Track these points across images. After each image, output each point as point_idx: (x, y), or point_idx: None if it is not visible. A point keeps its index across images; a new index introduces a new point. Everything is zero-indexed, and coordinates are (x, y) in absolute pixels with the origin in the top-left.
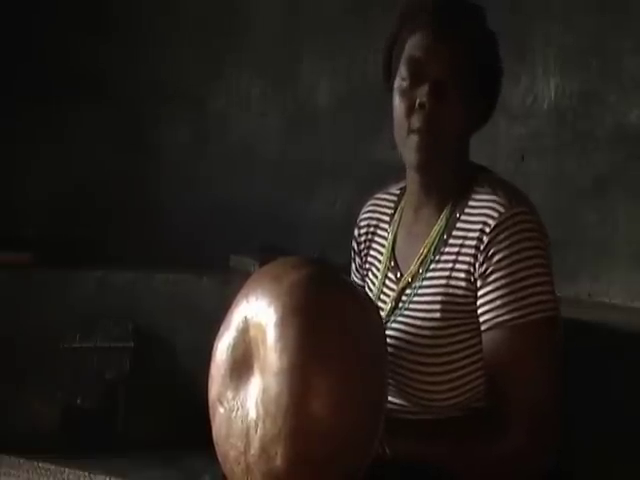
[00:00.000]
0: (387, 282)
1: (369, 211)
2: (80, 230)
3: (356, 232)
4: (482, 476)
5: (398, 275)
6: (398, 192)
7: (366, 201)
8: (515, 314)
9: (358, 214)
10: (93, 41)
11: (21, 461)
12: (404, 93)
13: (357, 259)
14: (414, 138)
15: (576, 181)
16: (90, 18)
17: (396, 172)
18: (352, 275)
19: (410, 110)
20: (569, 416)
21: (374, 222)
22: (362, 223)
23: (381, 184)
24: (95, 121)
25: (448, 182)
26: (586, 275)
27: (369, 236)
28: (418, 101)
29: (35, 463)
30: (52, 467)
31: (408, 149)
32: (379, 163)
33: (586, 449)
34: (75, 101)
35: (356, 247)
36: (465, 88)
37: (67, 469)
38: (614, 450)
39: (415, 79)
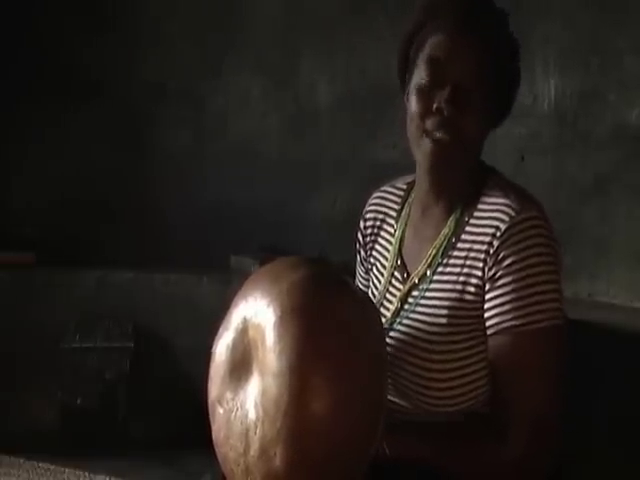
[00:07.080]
0: (393, 281)
1: (375, 204)
2: (80, 230)
3: (362, 224)
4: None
5: (405, 275)
6: (405, 187)
7: (366, 200)
8: (522, 320)
9: (358, 213)
10: (92, 40)
11: (21, 461)
12: (422, 92)
13: (362, 252)
14: (428, 142)
15: (576, 181)
16: (89, 17)
17: (396, 172)
18: (357, 268)
19: (427, 111)
20: (569, 416)
21: (381, 216)
22: (368, 215)
23: (381, 184)
24: (95, 121)
25: (459, 185)
26: (586, 275)
27: (375, 230)
28: (436, 105)
29: (35, 463)
30: (52, 467)
31: (422, 151)
32: (379, 163)
33: (586, 449)
34: (74, 101)
35: (361, 240)
36: (484, 93)
37: (67, 469)
38: (614, 450)
39: (435, 80)
